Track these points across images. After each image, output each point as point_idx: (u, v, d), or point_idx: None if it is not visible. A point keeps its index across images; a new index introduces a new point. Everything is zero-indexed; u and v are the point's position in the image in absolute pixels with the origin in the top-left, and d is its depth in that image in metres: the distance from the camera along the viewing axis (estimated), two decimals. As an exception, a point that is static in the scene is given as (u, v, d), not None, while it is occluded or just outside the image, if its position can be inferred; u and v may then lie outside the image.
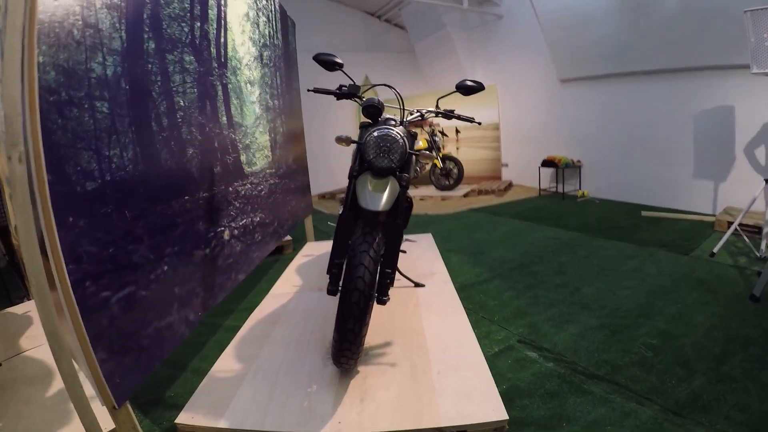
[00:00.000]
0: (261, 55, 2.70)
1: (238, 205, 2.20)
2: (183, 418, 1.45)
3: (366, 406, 1.50)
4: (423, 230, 3.94)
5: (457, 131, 6.97)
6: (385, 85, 1.95)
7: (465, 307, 2.27)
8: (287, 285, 2.71)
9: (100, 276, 1.14)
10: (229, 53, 2.21)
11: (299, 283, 2.73)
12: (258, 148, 2.60)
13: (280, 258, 3.58)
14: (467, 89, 1.89)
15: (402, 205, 1.73)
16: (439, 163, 6.14)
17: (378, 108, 1.79)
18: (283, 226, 3.01)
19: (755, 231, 3.25)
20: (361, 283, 1.44)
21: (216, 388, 1.62)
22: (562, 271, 2.93)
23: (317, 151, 7.17)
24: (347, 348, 1.53)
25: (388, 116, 1.86)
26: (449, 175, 6.35)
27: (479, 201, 5.76)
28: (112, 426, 1.21)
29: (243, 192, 2.28)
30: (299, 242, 3.80)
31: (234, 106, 2.25)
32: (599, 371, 1.78)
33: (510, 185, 6.62)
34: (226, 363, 1.81)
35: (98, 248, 1.15)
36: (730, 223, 3.30)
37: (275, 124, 2.98)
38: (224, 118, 2.11)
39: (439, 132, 6.62)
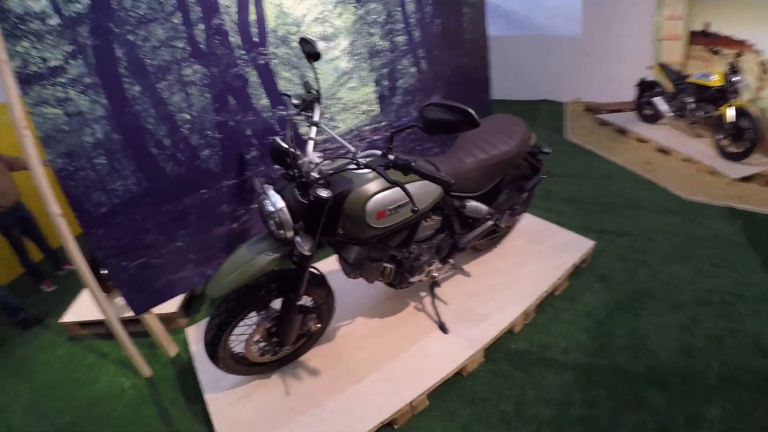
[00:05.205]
0: (353, -8, 2.20)
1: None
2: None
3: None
4: (630, 213, 2.38)
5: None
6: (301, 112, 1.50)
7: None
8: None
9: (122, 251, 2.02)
10: (270, 26, 2.07)
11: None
12: (345, 108, 2.44)
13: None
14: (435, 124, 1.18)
15: (302, 279, 1.57)
16: (728, 117, 3.16)
17: (283, 153, 1.44)
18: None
19: None
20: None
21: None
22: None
23: (602, 46, 5.01)
24: None
25: (309, 159, 1.47)
26: (739, 138, 3.24)
27: (757, 196, 3.10)
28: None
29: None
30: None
31: (285, 80, 2.20)
32: None
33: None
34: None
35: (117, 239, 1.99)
36: None
37: (394, 67, 2.51)
38: (264, 101, 2.18)
39: (759, 65, 2.99)
